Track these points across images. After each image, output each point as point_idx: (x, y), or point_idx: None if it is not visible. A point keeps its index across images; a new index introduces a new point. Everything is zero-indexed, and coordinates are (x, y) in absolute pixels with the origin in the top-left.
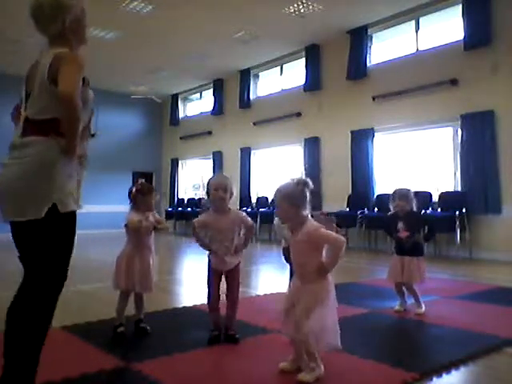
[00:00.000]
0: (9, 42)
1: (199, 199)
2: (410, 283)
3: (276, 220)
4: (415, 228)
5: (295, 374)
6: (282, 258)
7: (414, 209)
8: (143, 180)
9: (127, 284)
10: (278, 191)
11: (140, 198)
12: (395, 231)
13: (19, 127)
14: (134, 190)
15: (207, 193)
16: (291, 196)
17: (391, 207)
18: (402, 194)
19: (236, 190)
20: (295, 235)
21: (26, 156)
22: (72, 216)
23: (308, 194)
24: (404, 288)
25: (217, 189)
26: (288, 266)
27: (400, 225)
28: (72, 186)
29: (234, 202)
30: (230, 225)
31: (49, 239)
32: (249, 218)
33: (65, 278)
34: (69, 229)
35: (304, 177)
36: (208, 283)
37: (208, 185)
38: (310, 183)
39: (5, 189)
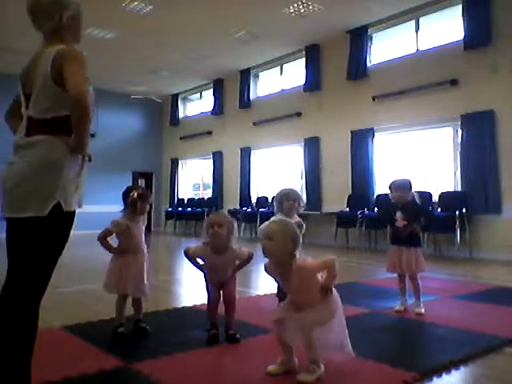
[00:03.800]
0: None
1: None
2: (411, 273)
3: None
4: (413, 218)
5: (295, 375)
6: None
7: (414, 199)
8: (143, 181)
9: (118, 287)
10: (278, 224)
11: (140, 203)
12: (393, 220)
13: (22, 126)
14: (135, 195)
15: (206, 229)
16: (294, 230)
17: (390, 197)
18: (399, 185)
19: (235, 189)
20: (287, 279)
21: (32, 154)
22: (72, 215)
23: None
24: (407, 282)
25: (212, 224)
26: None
27: (398, 214)
28: (76, 185)
29: (233, 199)
30: (225, 265)
31: (47, 237)
32: (246, 252)
33: (50, 276)
34: (67, 228)
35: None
36: (207, 286)
37: (206, 222)
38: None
39: (10, 186)
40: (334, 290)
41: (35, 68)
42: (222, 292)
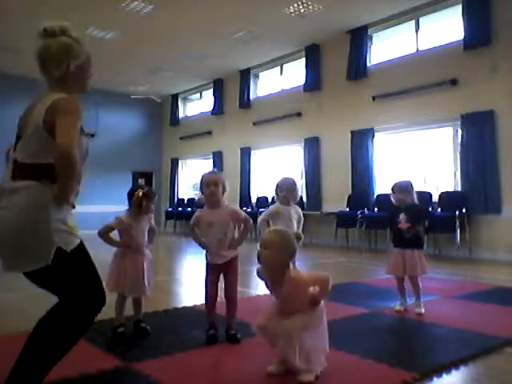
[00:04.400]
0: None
1: (196, 199)
2: (413, 275)
3: (260, 218)
4: (416, 220)
5: (295, 375)
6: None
7: (415, 201)
8: (143, 181)
9: (117, 286)
10: (277, 234)
11: (146, 202)
12: (396, 222)
13: (8, 169)
14: (140, 193)
15: (201, 190)
16: (291, 241)
17: (392, 200)
18: (401, 187)
19: (235, 189)
20: (278, 287)
21: (17, 203)
22: (80, 247)
23: None
24: (407, 283)
25: (208, 184)
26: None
27: (401, 216)
28: (69, 222)
29: (233, 199)
30: (222, 218)
31: (67, 276)
32: (243, 213)
33: (101, 300)
34: (82, 258)
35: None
36: (206, 282)
37: (200, 182)
38: None
39: (1, 242)
40: (321, 303)
41: (32, 112)
42: (223, 290)
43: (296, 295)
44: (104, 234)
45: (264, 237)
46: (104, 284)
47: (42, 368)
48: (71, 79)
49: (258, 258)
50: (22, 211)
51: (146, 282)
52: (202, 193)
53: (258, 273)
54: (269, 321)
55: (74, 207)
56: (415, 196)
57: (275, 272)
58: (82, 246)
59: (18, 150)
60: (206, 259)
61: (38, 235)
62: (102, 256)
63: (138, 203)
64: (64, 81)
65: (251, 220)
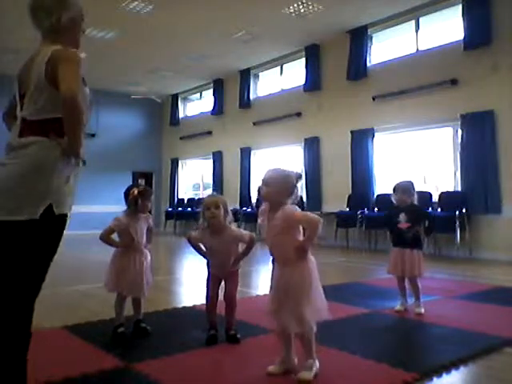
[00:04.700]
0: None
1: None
2: (412, 276)
3: (259, 222)
4: (416, 220)
5: (293, 375)
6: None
7: (415, 202)
8: (143, 181)
9: (116, 286)
10: (276, 172)
11: (141, 200)
12: (396, 222)
13: (16, 127)
14: (135, 192)
15: (202, 213)
16: (289, 182)
17: (393, 200)
18: (403, 188)
19: (235, 189)
20: (271, 219)
21: (24, 156)
22: (64, 218)
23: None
24: (406, 283)
25: (208, 207)
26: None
27: (401, 216)
28: (69, 187)
29: (233, 199)
30: (225, 245)
31: (39, 240)
32: (246, 235)
33: (43, 279)
34: (59, 231)
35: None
36: (207, 284)
37: (202, 205)
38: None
39: (0, 188)
40: (310, 256)
41: (31, 68)
42: (223, 290)
43: (285, 230)
44: (105, 236)
45: (265, 175)
46: (103, 284)
47: (14, 368)
48: (64, 32)
49: (258, 194)
50: (28, 163)
51: (145, 282)
52: (204, 217)
53: (260, 210)
54: (275, 305)
55: (84, 163)
56: (416, 197)
57: (274, 206)
58: (66, 216)
59: (25, 108)
60: (208, 268)
61: (36, 192)
62: (102, 256)
63: (134, 201)
64: (56, 33)
65: (254, 236)
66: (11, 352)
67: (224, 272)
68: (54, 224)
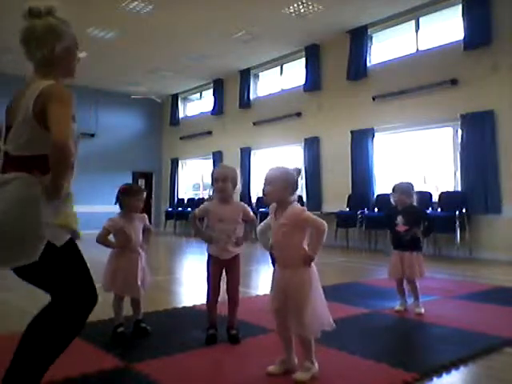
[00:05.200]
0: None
1: (208, 195)
2: (412, 278)
3: (259, 227)
4: (414, 222)
5: (292, 375)
6: (270, 261)
7: (414, 203)
8: (143, 181)
9: (113, 286)
10: (278, 171)
11: (124, 199)
12: (394, 225)
13: None
14: (121, 191)
15: (212, 184)
16: (291, 179)
17: (392, 200)
18: (402, 189)
19: (236, 191)
20: (278, 218)
21: (6, 195)
22: (71, 242)
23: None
24: (405, 285)
25: (217, 179)
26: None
27: (399, 219)
28: (61, 215)
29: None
30: (232, 214)
31: (57, 272)
32: (251, 211)
33: (93, 298)
34: (72, 254)
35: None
36: (208, 279)
37: (211, 176)
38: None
39: None
40: (313, 265)
41: (20, 101)
42: (225, 288)
43: (291, 228)
44: (101, 238)
45: (266, 174)
46: (100, 284)
47: (36, 368)
48: (58, 62)
49: (263, 194)
50: (11, 204)
51: (140, 282)
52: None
53: (267, 204)
54: (276, 302)
55: (69, 195)
56: (415, 198)
57: (279, 203)
58: (72, 241)
59: (9, 142)
60: (209, 256)
61: (26, 230)
62: (99, 257)
63: (117, 199)
64: (50, 65)
65: (257, 220)
66: (43, 360)
67: (230, 250)
68: (61, 254)
